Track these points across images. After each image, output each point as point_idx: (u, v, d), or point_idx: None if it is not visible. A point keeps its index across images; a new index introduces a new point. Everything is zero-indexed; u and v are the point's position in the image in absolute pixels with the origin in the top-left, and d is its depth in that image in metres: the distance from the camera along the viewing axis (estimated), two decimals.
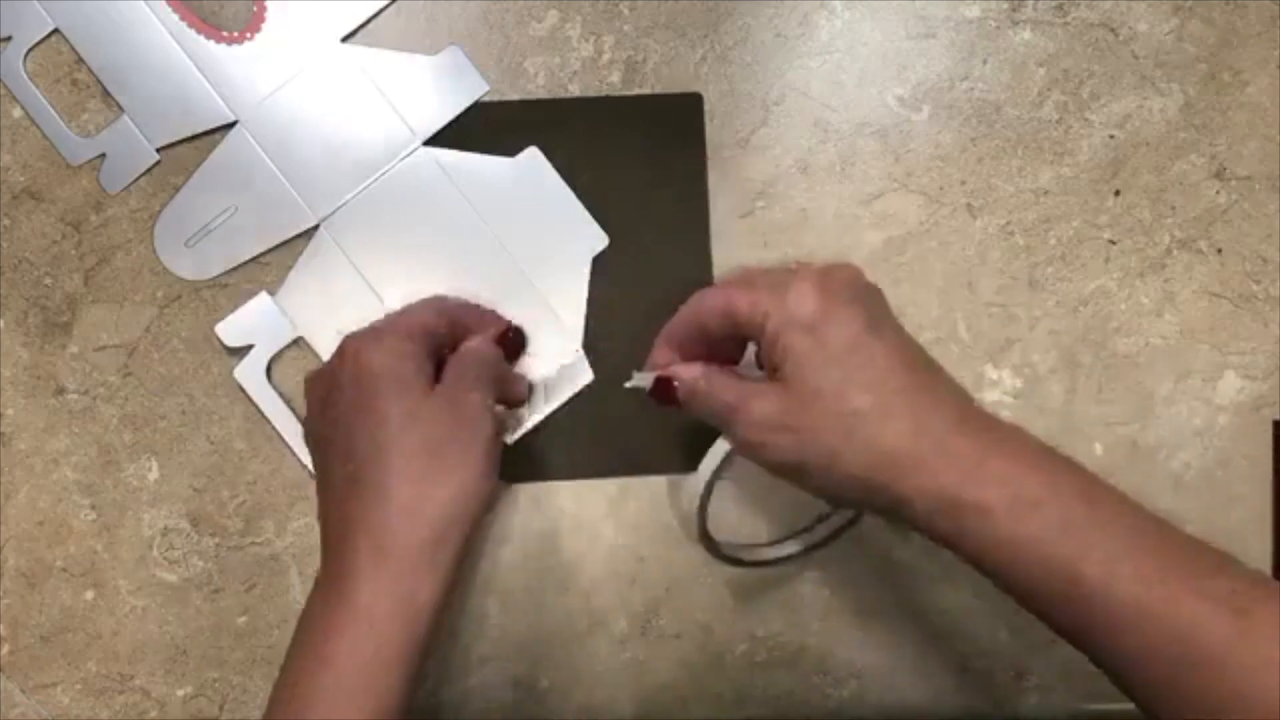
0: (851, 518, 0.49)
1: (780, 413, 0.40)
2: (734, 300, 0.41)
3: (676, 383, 0.43)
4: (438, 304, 0.48)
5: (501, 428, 0.46)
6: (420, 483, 0.42)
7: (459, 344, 0.47)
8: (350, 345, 0.44)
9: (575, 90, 0.50)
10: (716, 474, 0.43)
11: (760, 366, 0.43)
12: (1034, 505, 0.37)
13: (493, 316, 0.50)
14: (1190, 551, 0.37)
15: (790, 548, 0.49)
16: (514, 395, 0.49)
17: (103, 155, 0.49)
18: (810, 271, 0.41)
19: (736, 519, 0.51)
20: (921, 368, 0.40)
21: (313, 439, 0.46)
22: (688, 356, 0.44)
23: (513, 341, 0.49)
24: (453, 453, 0.42)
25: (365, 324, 0.46)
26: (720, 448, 0.43)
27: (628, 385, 0.45)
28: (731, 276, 0.45)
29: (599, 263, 0.50)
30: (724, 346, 0.44)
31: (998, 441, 0.39)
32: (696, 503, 0.44)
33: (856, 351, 0.39)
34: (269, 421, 0.50)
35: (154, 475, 0.50)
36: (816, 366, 0.39)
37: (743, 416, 0.41)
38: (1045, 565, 0.37)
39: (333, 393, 0.44)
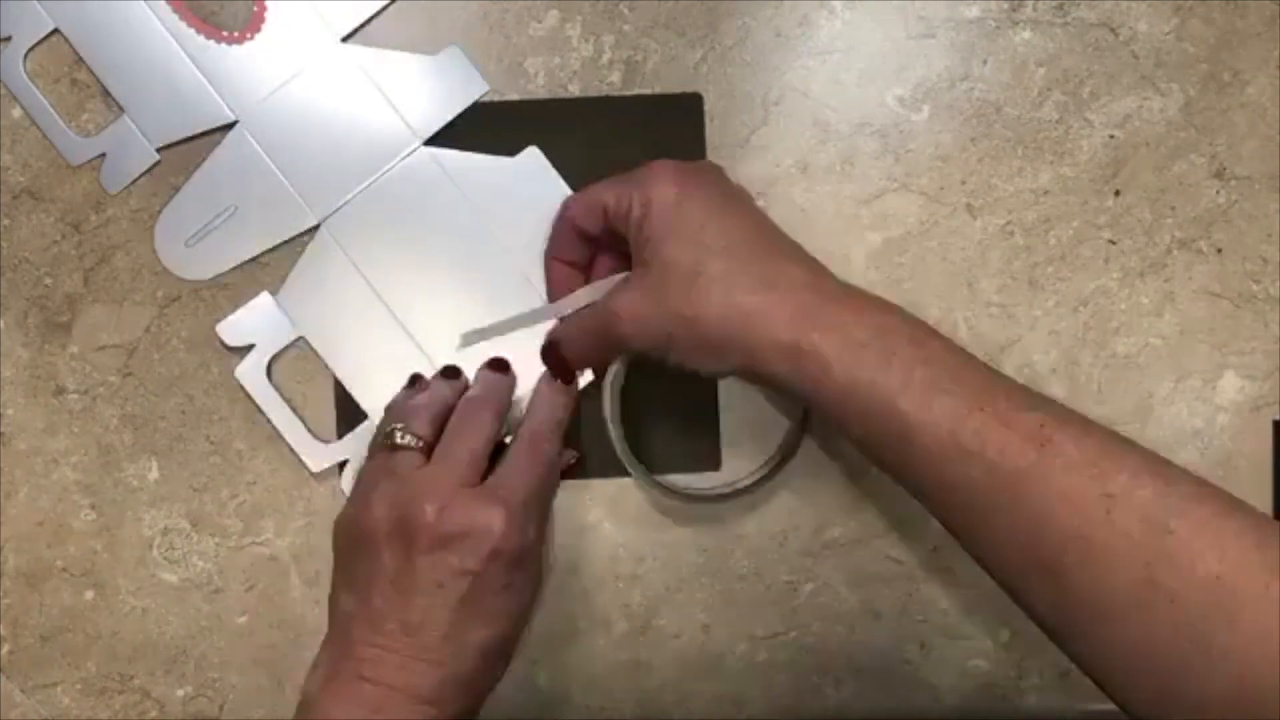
0: (778, 459, 0.50)
1: (643, 294, 0.42)
2: (601, 196, 0.45)
3: (557, 344, 0.47)
4: (491, 417, 0.46)
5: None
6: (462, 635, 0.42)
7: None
8: (439, 505, 0.42)
9: (575, 90, 0.50)
10: (615, 387, 0.47)
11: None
12: (861, 346, 0.39)
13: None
14: (1006, 388, 0.39)
15: (720, 487, 0.50)
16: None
17: (103, 155, 0.49)
18: (669, 161, 0.44)
19: None
20: (774, 237, 0.43)
21: (363, 545, 0.44)
22: (580, 265, 0.48)
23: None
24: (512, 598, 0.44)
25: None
26: (614, 363, 0.47)
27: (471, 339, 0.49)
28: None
29: None
30: (608, 245, 0.47)
31: (840, 294, 0.41)
32: (611, 427, 0.47)
33: (709, 224, 0.42)
34: (269, 421, 0.50)
35: (154, 475, 0.50)
36: (674, 243, 0.42)
37: (615, 316, 0.43)
38: (868, 401, 0.38)
39: (431, 546, 0.42)
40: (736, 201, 0.44)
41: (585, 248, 0.47)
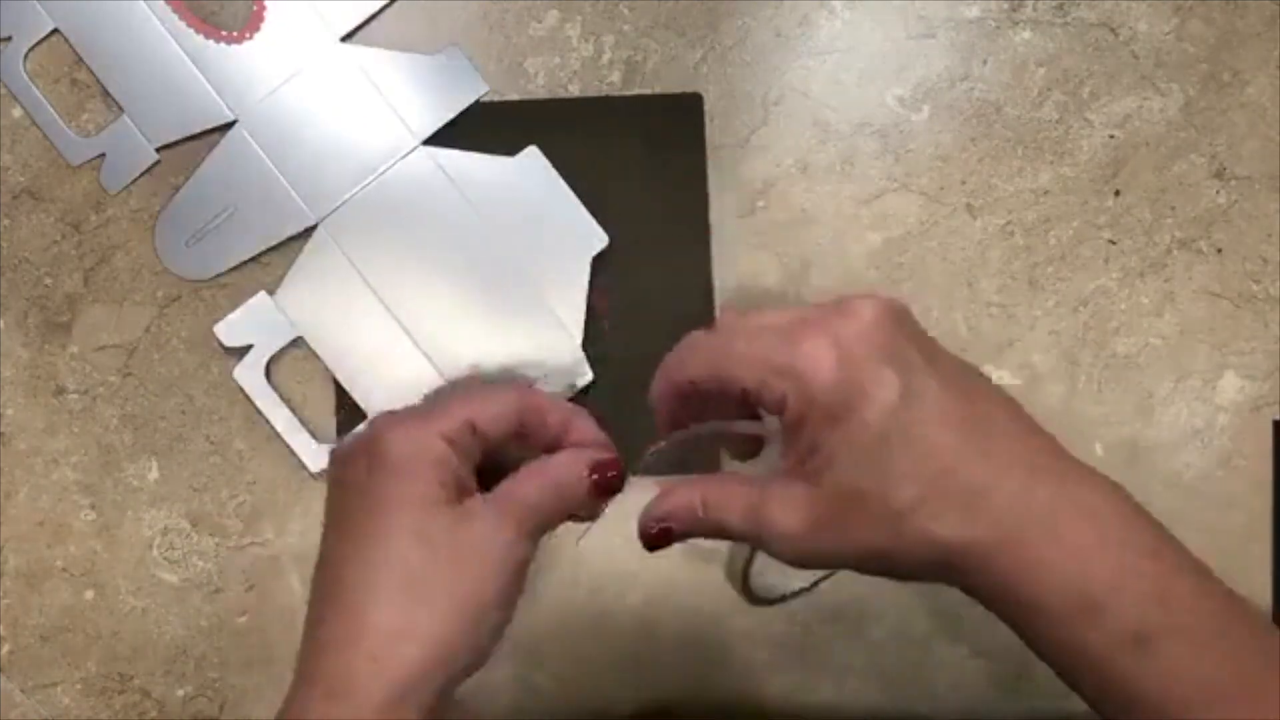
0: None
1: (815, 518, 0.35)
2: (736, 370, 0.36)
3: (668, 525, 0.38)
4: (509, 398, 0.39)
5: (524, 579, 0.38)
6: (399, 621, 0.36)
7: (542, 440, 0.40)
8: (378, 426, 0.38)
9: (575, 90, 0.50)
10: (751, 567, 0.45)
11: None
12: (1097, 609, 0.33)
13: (586, 429, 0.41)
14: (1262, 655, 0.33)
15: (813, 576, 0.50)
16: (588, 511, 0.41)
17: (103, 155, 0.49)
18: (821, 330, 0.34)
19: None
20: (969, 428, 0.35)
21: (327, 507, 0.39)
22: (691, 414, 0.39)
23: (608, 482, 0.39)
24: (446, 593, 0.36)
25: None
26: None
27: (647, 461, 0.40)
28: (723, 327, 0.38)
29: (599, 263, 0.50)
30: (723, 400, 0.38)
31: (1060, 512, 0.34)
32: (741, 567, 0.45)
33: (894, 433, 0.34)
34: (268, 421, 0.50)
35: (154, 475, 0.50)
36: (852, 462, 0.34)
37: (770, 531, 0.36)
38: (1104, 677, 0.33)
39: (348, 471, 0.38)
40: (914, 377, 0.35)
41: (700, 405, 0.39)
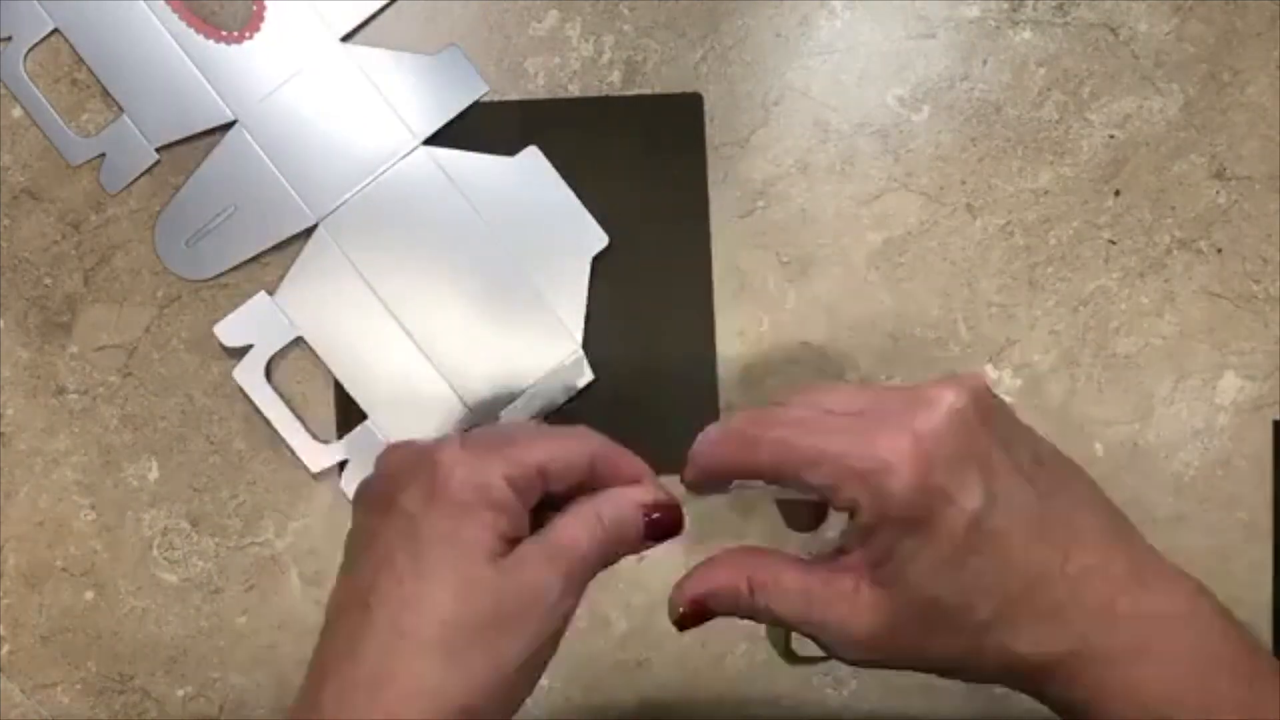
0: None
1: (886, 626, 0.33)
2: (801, 470, 0.33)
3: (706, 604, 0.36)
4: (585, 447, 0.37)
5: (563, 635, 0.36)
6: (426, 681, 0.33)
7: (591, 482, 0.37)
8: (443, 456, 0.35)
9: (575, 90, 0.50)
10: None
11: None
12: None
13: (645, 477, 0.38)
14: None
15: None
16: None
17: (102, 155, 0.49)
18: (898, 426, 0.32)
19: None
20: (1052, 534, 0.33)
21: (365, 521, 0.36)
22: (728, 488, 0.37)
23: (660, 523, 0.37)
24: (483, 655, 0.33)
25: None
26: None
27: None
28: (791, 406, 0.35)
29: (599, 263, 0.50)
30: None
31: (1146, 627, 0.33)
32: (783, 634, 0.42)
33: (975, 545, 0.32)
34: (268, 421, 0.50)
35: (154, 475, 0.50)
36: (930, 571, 0.32)
37: (834, 633, 0.34)
38: None
39: (401, 494, 0.35)
40: (998, 483, 0.33)
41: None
